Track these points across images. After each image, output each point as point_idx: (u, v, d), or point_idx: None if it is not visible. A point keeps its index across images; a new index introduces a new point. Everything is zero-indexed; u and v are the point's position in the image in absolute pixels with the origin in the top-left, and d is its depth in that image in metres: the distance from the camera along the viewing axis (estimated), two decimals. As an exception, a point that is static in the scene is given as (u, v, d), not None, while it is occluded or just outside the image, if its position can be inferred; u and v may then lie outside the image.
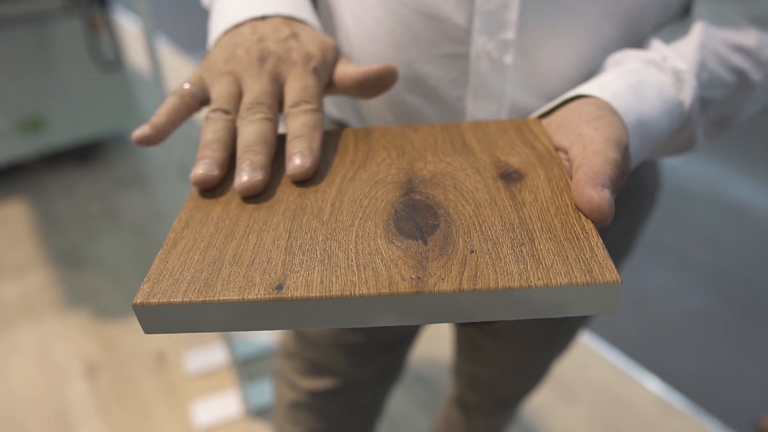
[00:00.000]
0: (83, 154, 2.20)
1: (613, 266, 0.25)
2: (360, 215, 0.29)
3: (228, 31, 0.39)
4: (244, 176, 0.31)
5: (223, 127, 0.34)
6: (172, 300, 0.25)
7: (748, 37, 0.38)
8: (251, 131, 0.33)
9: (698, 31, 0.38)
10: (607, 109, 0.34)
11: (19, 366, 1.41)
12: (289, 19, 0.39)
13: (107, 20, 1.89)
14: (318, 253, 0.27)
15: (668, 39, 0.39)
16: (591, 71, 0.41)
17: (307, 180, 0.32)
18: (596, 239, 0.27)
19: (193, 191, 0.33)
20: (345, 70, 0.37)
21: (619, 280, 0.24)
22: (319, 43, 0.37)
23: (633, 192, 0.52)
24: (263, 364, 1.40)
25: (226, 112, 0.34)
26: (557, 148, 0.34)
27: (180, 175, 0.99)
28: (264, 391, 1.31)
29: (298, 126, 0.33)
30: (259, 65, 0.36)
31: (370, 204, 0.30)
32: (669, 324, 1.55)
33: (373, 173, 0.33)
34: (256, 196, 0.31)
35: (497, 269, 0.25)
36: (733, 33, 0.39)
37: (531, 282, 0.24)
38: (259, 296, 0.25)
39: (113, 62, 1.95)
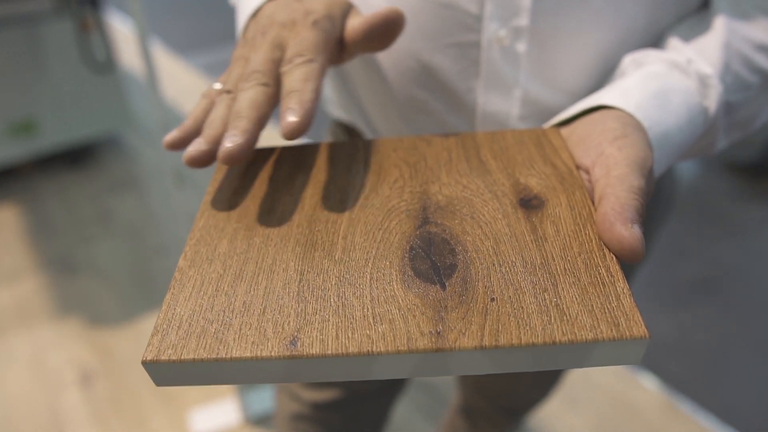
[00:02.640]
0: (76, 157, 2.17)
1: (640, 318, 0.24)
2: (374, 253, 0.28)
3: (248, 22, 0.38)
4: (227, 143, 0.29)
5: (225, 106, 0.33)
6: (182, 357, 0.24)
7: None
8: (242, 99, 0.31)
9: (720, 28, 0.36)
10: (631, 125, 0.32)
11: (12, 375, 1.39)
12: None
13: (99, 21, 1.86)
14: (332, 300, 0.26)
15: (688, 36, 0.37)
16: (608, 63, 0.39)
17: (300, 135, 0.30)
18: (622, 285, 0.25)
19: (197, 222, 0.31)
20: (351, 24, 0.35)
21: (647, 335, 0.23)
22: (326, 1, 0.36)
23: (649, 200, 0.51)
24: (262, 370, 1.38)
25: (228, 92, 0.33)
26: (578, 166, 0.32)
27: (176, 181, 0.97)
28: (263, 399, 1.29)
29: (290, 81, 0.32)
30: (261, 37, 0.34)
31: (384, 238, 0.29)
32: (669, 326, 1.54)
33: (386, 198, 0.31)
34: (237, 162, 0.29)
35: (520, 323, 0.24)
36: (755, 30, 0.37)
37: (555, 338, 0.23)
38: (273, 354, 0.24)
39: (105, 64, 1.93)
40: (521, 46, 0.38)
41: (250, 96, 0.31)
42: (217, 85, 0.35)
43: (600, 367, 1.39)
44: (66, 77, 1.90)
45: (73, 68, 1.90)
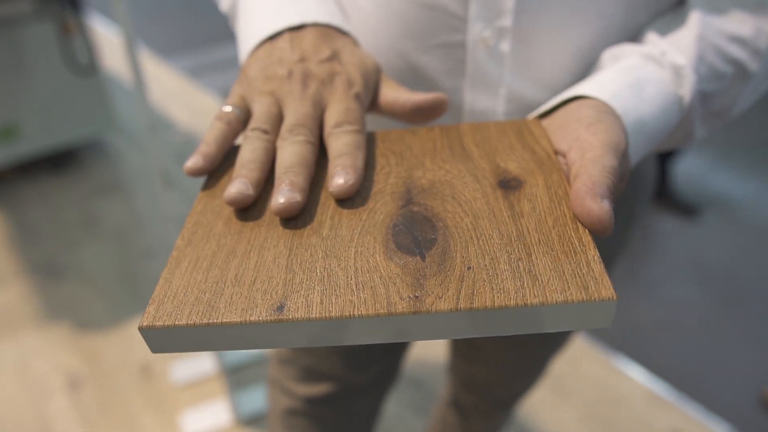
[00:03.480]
0: (59, 162, 2.15)
1: (609, 282, 0.25)
2: (359, 230, 0.29)
3: (263, 43, 0.38)
4: (281, 198, 0.30)
5: (261, 147, 0.33)
6: (176, 323, 0.26)
7: (744, 26, 0.38)
8: (292, 152, 0.32)
9: (695, 21, 0.38)
10: (606, 111, 0.33)
11: (-2, 382, 1.37)
12: (327, 29, 0.38)
13: (80, 24, 1.84)
14: (318, 271, 0.27)
15: (664, 31, 0.39)
16: (587, 60, 0.40)
17: (349, 199, 0.32)
18: (593, 253, 0.27)
19: (195, 207, 0.32)
20: (396, 97, 0.37)
21: (615, 297, 0.24)
22: (361, 66, 0.37)
23: (630, 187, 0.52)
24: (252, 372, 1.38)
25: (265, 131, 0.34)
26: (556, 152, 0.34)
27: (164, 183, 0.97)
28: (254, 399, 1.29)
29: (341, 145, 0.33)
30: (302, 89, 0.35)
31: (369, 217, 0.30)
32: (653, 315, 1.57)
33: (372, 183, 0.33)
34: (290, 217, 0.31)
35: (494, 287, 0.25)
36: (728, 22, 0.38)
37: (527, 300, 0.25)
38: (260, 318, 0.25)
39: (87, 67, 1.91)
40: (505, 46, 0.39)
41: (299, 151, 0.32)
42: (228, 108, 0.35)
43: (587, 360, 1.41)
44: (48, 81, 1.89)
45: (55, 72, 1.88)
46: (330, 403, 0.63)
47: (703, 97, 0.38)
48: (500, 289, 0.25)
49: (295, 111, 0.34)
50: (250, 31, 0.39)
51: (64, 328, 1.51)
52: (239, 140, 0.36)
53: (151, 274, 1.67)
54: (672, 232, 1.86)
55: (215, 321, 0.25)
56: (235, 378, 1.36)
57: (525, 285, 0.25)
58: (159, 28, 3.73)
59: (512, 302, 0.24)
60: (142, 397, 1.32)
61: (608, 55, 0.39)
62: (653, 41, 0.38)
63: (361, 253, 0.28)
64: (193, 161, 0.33)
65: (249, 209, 0.32)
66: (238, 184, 0.31)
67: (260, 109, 0.35)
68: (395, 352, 0.63)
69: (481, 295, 0.25)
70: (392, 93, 0.37)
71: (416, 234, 0.28)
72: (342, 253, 0.28)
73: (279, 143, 0.33)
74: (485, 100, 0.42)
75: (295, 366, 0.62)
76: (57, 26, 1.81)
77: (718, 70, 0.38)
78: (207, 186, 0.34)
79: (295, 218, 0.31)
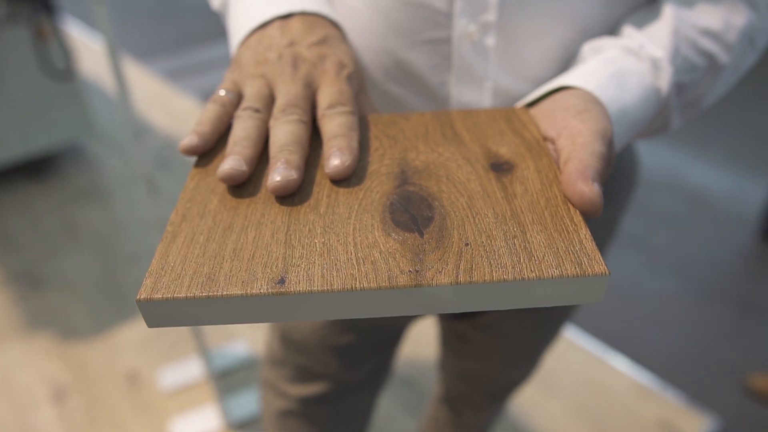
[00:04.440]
0: (37, 169, 2.11)
1: (601, 258, 0.26)
2: (356, 207, 0.30)
3: (254, 32, 0.39)
4: (278, 176, 0.30)
5: (254, 125, 0.33)
6: (175, 295, 0.25)
7: (715, 20, 0.40)
8: (286, 131, 0.32)
9: (669, 16, 0.39)
10: (592, 101, 0.35)
11: (-21, 395, 1.34)
12: (316, 17, 0.39)
13: (55, 28, 1.81)
14: (317, 246, 0.27)
15: (640, 24, 0.40)
16: (569, 53, 0.41)
17: (345, 179, 0.32)
18: (585, 231, 0.28)
19: (188, 183, 0.32)
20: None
21: (607, 272, 0.26)
22: (350, 54, 0.38)
23: (614, 178, 0.53)
24: (241, 376, 1.36)
25: (256, 110, 0.34)
26: (545, 138, 0.35)
27: (149, 187, 0.96)
28: (244, 403, 1.28)
29: (335, 126, 0.33)
30: (293, 70, 0.35)
31: (366, 196, 0.31)
32: (638, 308, 1.59)
33: (367, 164, 0.33)
34: (288, 196, 0.31)
35: (491, 262, 0.26)
36: (700, 16, 0.40)
37: (524, 274, 0.26)
38: (262, 291, 0.25)
39: (64, 71, 1.88)
40: (490, 40, 0.40)
41: (293, 130, 0.32)
42: (222, 92, 0.36)
43: (574, 354, 1.43)
44: (24, 86, 1.85)
45: (31, 77, 1.85)
46: (324, 403, 0.63)
47: (678, 88, 0.40)
48: (498, 264, 0.26)
49: (287, 92, 0.35)
50: (240, 23, 0.40)
51: (46, 338, 1.48)
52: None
53: (134, 281, 1.65)
54: (654, 226, 1.89)
55: (215, 294, 0.25)
56: (225, 383, 1.35)
57: (521, 260, 0.26)
58: (135, 30, 3.68)
59: (510, 276, 0.25)
60: (129, 406, 1.30)
61: (588, 47, 0.40)
62: (630, 34, 0.40)
63: (359, 230, 0.28)
64: (189, 139, 0.33)
65: (244, 186, 0.32)
66: (232, 161, 0.31)
67: (251, 91, 0.35)
68: (388, 347, 0.63)
69: (480, 270, 0.26)
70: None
71: (413, 212, 0.29)
72: (340, 229, 0.28)
73: (272, 123, 0.34)
74: (471, 94, 0.43)
75: (287, 367, 0.62)
76: (31, 31, 1.78)
77: (692, 63, 0.40)
78: (199, 164, 0.34)
79: (292, 196, 0.31)
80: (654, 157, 2.25)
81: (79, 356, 1.43)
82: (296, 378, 0.62)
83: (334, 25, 0.40)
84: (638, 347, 1.48)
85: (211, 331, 1.49)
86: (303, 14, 0.38)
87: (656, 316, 1.56)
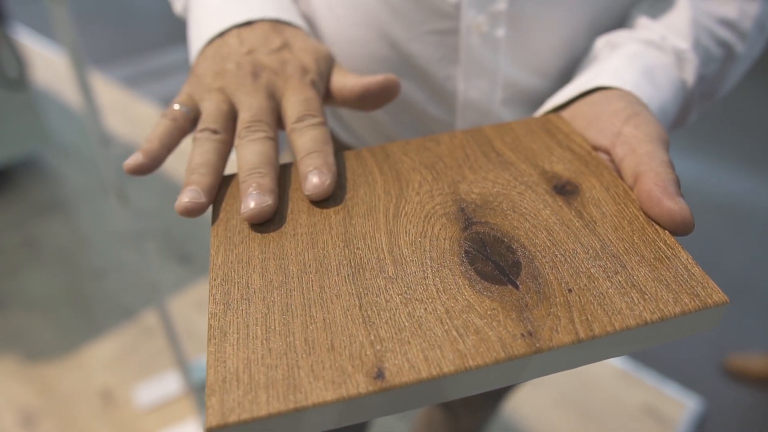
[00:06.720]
0: (-9, 184, 2.01)
1: (714, 284, 0.24)
2: (428, 263, 0.26)
3: (212, 42, 0.36)
4: (251, 202, 0.28)
5: (211, 149, 0.30)
6: (255, 415, 0.21)
7: (731, 9, 0.39)
8: (254, 152, 0.30)
9: (686, 5, 0.38)
10: (638, 103, 0.32)
11: (-60, 425, 1.26)
12: (276, 23, 0.36)
13: (6, 37, 1.73)
14: (404, 320, 0.23)
15: (653, 14, 0.39)
16: (579, 44, 0.40)
17: (327, 199, 0.29)
18: (685, 255, 0.25)
19: (214, 259, 0.27)
20: (343, 82, 0.35)
21: (727, 300, 0.24)
22: (313, 52, 0.35)
23: None
24: (222, 387, 1.32)
25: (214, 131, 0.31)
26: (595, 148, 0.32)
27: (120, 198, 0.91)
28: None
29: (308, 141, 0.30)
30: (253, 80, 0.33)
31: (433, 246, 0.26)
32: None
33: (417, 205, 0.29)
34: (263, 223, 0.28)
35: (606, 309, 0.23)
36: (716, 5, 0.39)
37: (646, 318, 0.23)
38: (361, 390, 0.21)
39: (17, 80, 1.79)
40: (500, 32, 0.38)
41: (260, 150, 0.30)
42: (176, 106, 0.32)
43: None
44: (-27, 97, 1.76)
45: (-19, 87, 1.76)
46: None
47: (700, 79, 0.39)
48: (613, 310, 0.23)
49: (249, 106, 0.32)
50: (198, 32, 0.37)
51: (12, 360, 1.41)
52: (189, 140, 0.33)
53: (102, 295, 1.58)
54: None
55: (305, 404, 0.21)
56: (205, 395, 1.30)
57: (636, 301, 0.23)
58: (89, 37, 3.56)
59: (632, 322, 0.23)
60: (106, 426, 1.25)
61: (603, 41, 0.38)
62: (648, 26, 0.38)
63: (444, 291, 0.24)
64: (134, 158, 0.30)
65: (285, 251, 0.27)
66: (189, 192, 0.28)
67: (209, 108, 0.32)
68: None
69: (599, 321, 0.23)
70: (341, 79, 0.35)
71: (495, 259, 0.26)
72: (422, 294, 0.24)
73: (237, 142, 0.31)
74: (481, 87, 0.41)
75: None
76: (-20, 38, 1.69)
77: (710, 53, 0.38)
78: (218, 229, 0.29)
79: (350, 257, 0.26)
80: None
81: (47, 378, 1.36)
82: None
83: (297, 27, 0.37)
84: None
85: (189, 343, 1.44)
86: (263, 21, 0.36)
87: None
